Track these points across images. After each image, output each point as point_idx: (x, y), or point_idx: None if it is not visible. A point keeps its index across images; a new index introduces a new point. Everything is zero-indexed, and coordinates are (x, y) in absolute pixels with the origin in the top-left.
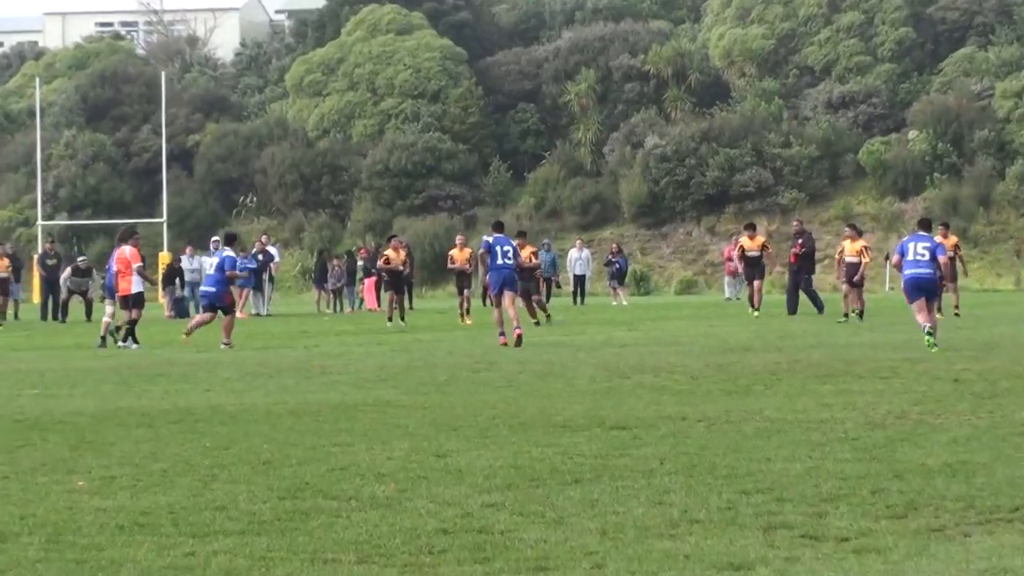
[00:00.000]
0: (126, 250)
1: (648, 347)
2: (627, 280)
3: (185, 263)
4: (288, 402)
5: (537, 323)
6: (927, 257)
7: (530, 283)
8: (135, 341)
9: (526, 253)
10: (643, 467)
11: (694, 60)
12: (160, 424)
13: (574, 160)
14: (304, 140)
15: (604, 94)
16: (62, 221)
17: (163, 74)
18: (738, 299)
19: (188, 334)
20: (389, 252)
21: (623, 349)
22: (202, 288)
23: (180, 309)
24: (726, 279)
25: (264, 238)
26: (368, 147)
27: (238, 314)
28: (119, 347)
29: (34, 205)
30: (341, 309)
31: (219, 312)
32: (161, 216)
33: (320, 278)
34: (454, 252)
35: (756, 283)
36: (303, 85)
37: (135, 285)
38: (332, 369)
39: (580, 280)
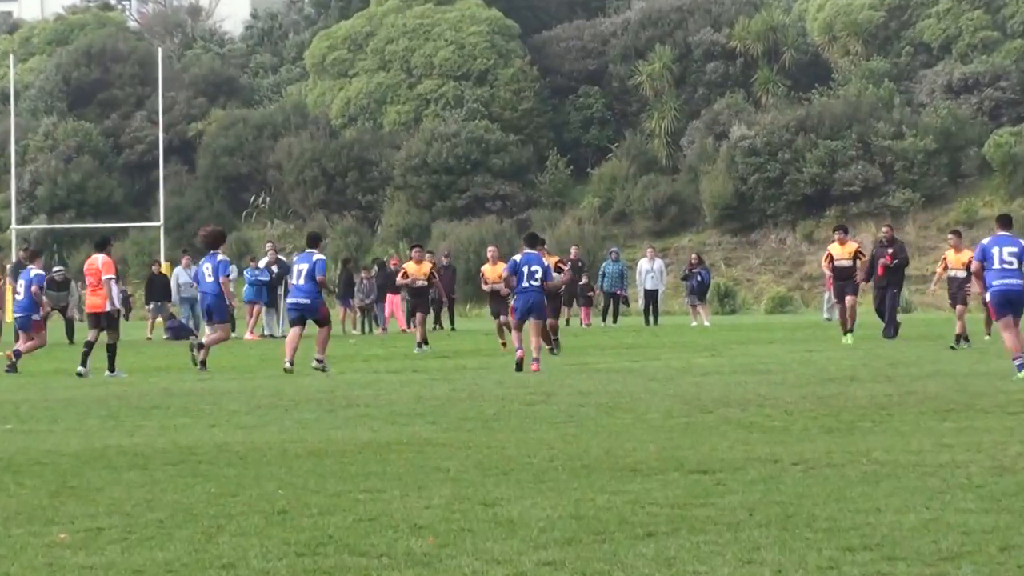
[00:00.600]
0: (98, 259)
1: (734, 376)
2: (709, 296)
3: (181, 275)
4: (307, 440)
5: (552, 350)
6: (1015, 264)
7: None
8: (106, 367)
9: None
10: (728, 519)
11: (789, 35)
12: (156, 466)
13: (646, 154)
14: (327, 129)
15: (682, 75)
16: (40, 225)
17: (160, 51)
18: (829, 319)
19: (202, 358)
20: (409, 265)
21: (704, 378)
22: (291, 300)
23: (177, 330)
24: (825, 295)
25: (269, 246)
26: (402, 138)
27: (247, 335)
28: (107, 376)
29: (7, 206)
30: (371, 330)
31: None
32: (157, 219)
33: (345, 293)
34: (486, 268)
35: (848, 299)
36: (325, 64)
37: (108, 301)
38: (360, 401)
39: (652, 296)
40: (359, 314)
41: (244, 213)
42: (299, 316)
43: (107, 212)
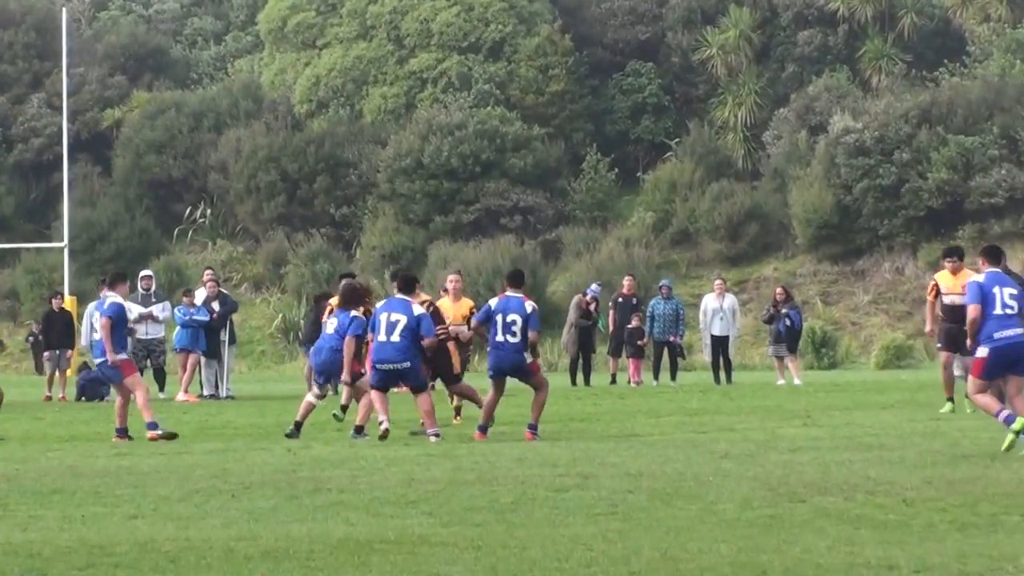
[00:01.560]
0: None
1: (834, 453)
2: (800, 345)
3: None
4: (261, 537)
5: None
6: (1016, 310)
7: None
8: None
9: (461, 310)
10: None
11: None
12: (57, 570)
13: (716, 153)
14: (288, 119)
15: (765, 48)
16: None
17: (63, 12)
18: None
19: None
20: (444, 302)
21: (794, 455)
22: (383, 360)
23: (91, 385)
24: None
25: (209, 274)
26: (389, 130)
27: (180, 395)
28: None
29: None
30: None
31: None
32: (60, 238)
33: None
34: (443, 303)
35: (945, 356)
36: (286, 32)
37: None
38: (331, 484)
39: (722, 344)
40: None
41: (176, 231)
42: (390, 383)
43: None
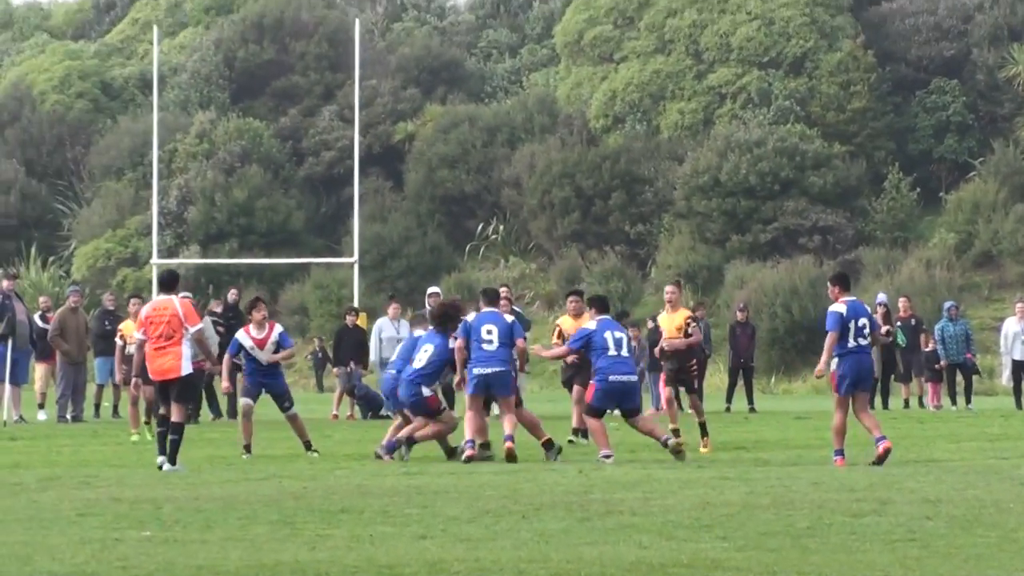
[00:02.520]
0: (174, 303)
1: None
2: None
3: (386, 328)
4: (551, 559)
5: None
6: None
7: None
8: (170, 459)
9: (676, 322)
10: None
11: None
12: None
13: (1021, 173)
14: (583, 134)
15: None
16: (190, 260)
17: (356, 23)
18: None
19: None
20: (661, 316)
21: None
22: (399, 391)
23: (366, 400)
24: None
25: (504, 291)
26: (686, 147)
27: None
28: (167, 470)
29: (147, 233)
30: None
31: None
32: (350, 253)
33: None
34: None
35: None
36: (582, 45)
37: (185, 361)
38: (623, 507)
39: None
40: None
41: (468, 247)
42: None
43: (282, 243)
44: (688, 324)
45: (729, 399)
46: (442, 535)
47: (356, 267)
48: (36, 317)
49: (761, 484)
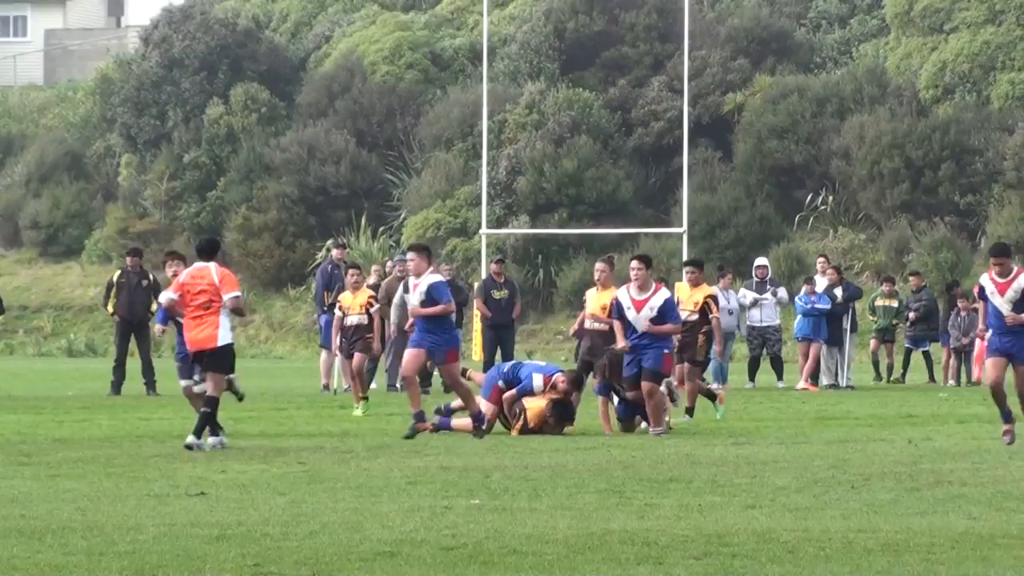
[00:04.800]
0: (211, 270)
1: None
2: None
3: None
4: (881, 529)
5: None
6: None
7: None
8: (212, 431)
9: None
10: None
11: None
12: (674, 559)
13: None
14: (913, 105)
15: None
16: (520, 229)
17: None
18: None
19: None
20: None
21: None
22: None
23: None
24: None
25: (821, 263)
26: (1017, 118)
27: (800, 384)
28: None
29: (476, 203)
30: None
31: None
32: (679, 223)
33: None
34: (589, 296)
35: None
36: (912, 16)
37: (223, 331)
38: (952, 477)
39: None
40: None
41: (798, 217)
42: None
43: (610, 213)
44: (708, 303)
45: None
46: (770, 505)
47: (685, 237)
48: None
49: None
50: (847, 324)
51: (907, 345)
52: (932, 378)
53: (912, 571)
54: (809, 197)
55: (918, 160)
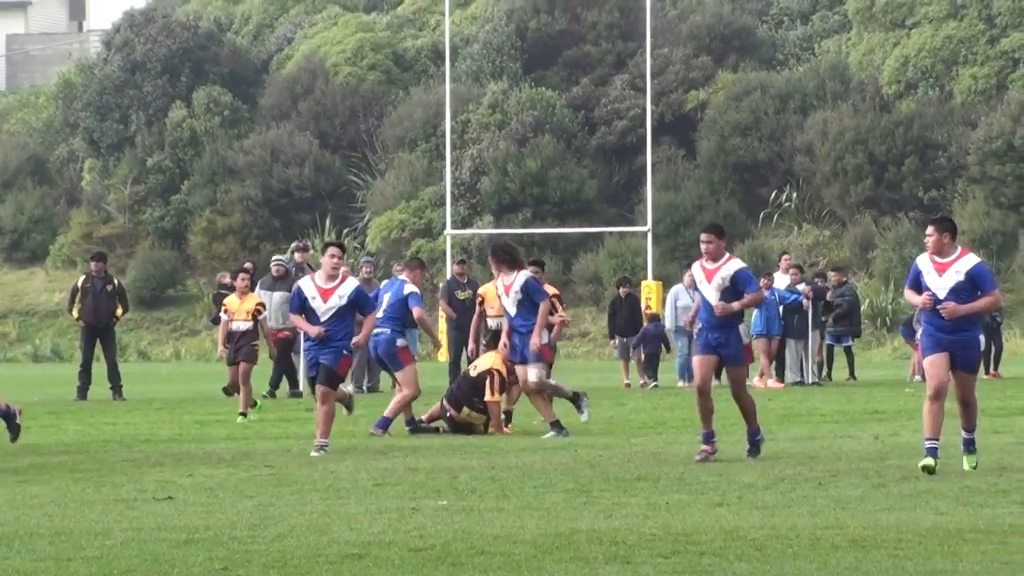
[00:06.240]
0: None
1: None
2: None
3: (681, 296)
4: (848, 526)
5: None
6: None
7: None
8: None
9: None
10: None
11: None
12: (642, 558)
13: None
14: (876, 100)
15: None
16: (485, 230)
17: None
18: None
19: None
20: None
21: None
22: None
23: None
24: None
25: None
26: (979, 112)
27: (756, 381)
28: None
29: (441, 204)
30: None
31: None
32: (643, 222)
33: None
34: (486, 290)
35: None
36: (874, 11)
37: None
38: (919, 473)
39: None
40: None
41: (762, 214)
42: None
43: (575, 212)
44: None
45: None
46: (738, 502)
47: (650, 235)
48: None
49: None
50: (811, 320)
51: (828, 342)
52: (853, 375)
53: (880, 567)
54: (773, 194)
55: (881, 156)
